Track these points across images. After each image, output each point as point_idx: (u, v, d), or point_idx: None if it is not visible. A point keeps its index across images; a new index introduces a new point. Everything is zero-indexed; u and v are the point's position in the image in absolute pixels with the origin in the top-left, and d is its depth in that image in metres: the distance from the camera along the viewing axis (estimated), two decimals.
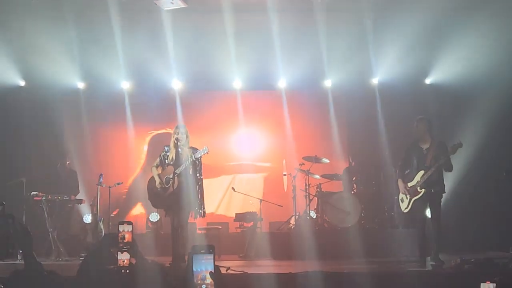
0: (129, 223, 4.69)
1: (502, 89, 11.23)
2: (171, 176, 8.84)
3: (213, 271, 3.39)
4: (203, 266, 3.39)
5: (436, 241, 8.71)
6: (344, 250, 9.90)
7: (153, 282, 3.89)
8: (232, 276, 7.28)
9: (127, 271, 4.46)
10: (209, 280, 3.37)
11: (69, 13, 11.51)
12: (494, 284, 3.90)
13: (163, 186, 8.94)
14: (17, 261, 8.96)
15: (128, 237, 4.58)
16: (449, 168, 8.87)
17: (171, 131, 9.47)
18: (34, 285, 4.12)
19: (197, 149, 9.05)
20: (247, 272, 7.57)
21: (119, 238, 4.55)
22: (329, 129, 13.05)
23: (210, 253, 3.42)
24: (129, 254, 4.67)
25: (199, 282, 3.38)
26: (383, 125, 12.52)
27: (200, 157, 8.95)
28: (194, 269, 3.38)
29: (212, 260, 3.41)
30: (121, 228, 4.62)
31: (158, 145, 10.77)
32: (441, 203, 8.82)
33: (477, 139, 10.93)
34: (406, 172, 9.07)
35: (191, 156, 8.84)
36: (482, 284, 3.97)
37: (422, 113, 9.47)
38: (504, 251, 9.47)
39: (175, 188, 8.84)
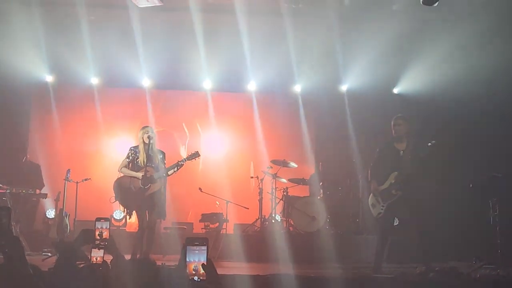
0: (107, 219, 4.64)
1: (469, 100, 11.35)
2: (154, 177, 8.75)
3: (205, 263, 3.41)
4: (196, 257, 3.40)
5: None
6: (308, 254, 9.95)
7: (134, 279, 3.86)
8: None
9: (100, 268, 4.43)
10: (201, 271, 3.39)
11: (38, 6, 11.41)
12: None
13: (141, 186, 8.78)
14: None
15: (106, 233, 4.53)
16: (427, 173, 8.40)
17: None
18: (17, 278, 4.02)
19: (163, 152, 9.05)
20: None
21: (96, 235, 4.50)
22: (298, 133, 13.15)
23: (204, 245, 3.44)
24: (106, 251, 4.63)
25: (191, 272, 3.39)
26: (352, 132, 12.57)
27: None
28: (188, 260, 3.40)
29: (206, 252, 3.42)
30: (98, 224, 4.55)
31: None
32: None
33: (444, 149, 11.04)
34: (379, 174, 8.46)
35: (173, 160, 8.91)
36: None
37: (390, 121, 8.66)
38: (468, 261, 9.60)
39: (156, 189, 8.80)
